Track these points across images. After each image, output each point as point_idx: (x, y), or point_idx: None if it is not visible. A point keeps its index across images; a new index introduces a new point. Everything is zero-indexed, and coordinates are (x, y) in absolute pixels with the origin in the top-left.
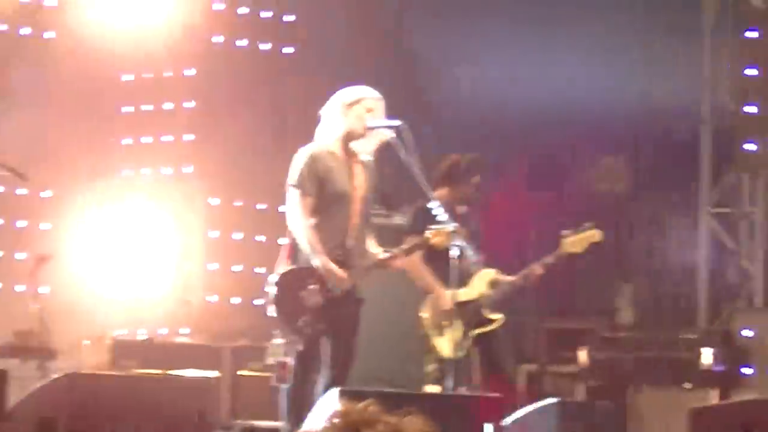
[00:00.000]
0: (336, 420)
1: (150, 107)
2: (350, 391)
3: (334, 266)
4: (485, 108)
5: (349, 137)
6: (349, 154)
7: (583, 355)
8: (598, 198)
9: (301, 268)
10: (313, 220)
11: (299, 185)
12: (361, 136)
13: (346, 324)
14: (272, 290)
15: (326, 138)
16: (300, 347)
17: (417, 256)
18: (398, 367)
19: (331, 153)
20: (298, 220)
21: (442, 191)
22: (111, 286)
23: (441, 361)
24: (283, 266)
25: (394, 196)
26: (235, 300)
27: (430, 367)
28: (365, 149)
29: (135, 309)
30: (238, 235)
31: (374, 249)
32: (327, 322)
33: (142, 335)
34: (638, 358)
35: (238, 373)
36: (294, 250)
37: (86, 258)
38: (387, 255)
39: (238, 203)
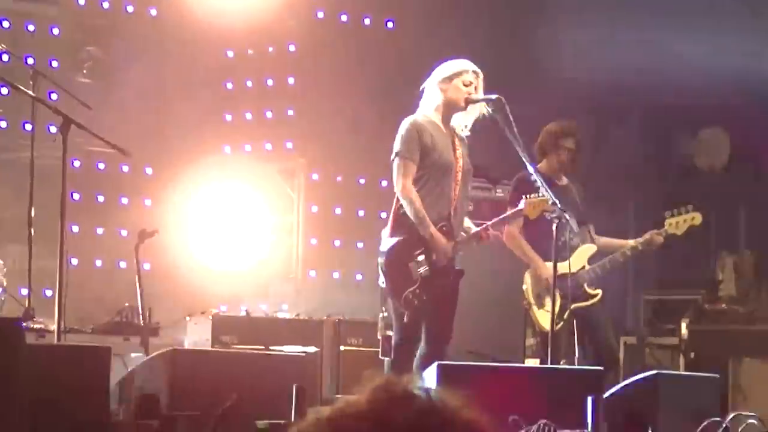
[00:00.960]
0: (370, 393)
1: (251, 83)
2: (449, 365)
3: (441, 237)
4: (585, 79)
5: (448, 110)
6: (450, 128)
7: (683, 327)
8: (700, 170)
9: (409, 238)
10: (415, 188)
11: (404, 154)
12: (460, 109)
13: (446, 296)
14: (382, 260)
15: (427, 110)
16: (405, 319)
17: (515, 229)
18: (498, 340)
19: (434, 124)
20: (405, 189)
21: (542, 164)
22: (212, 262)
23: (541, 334)
24: (389, 237)
25: (495, 170)
26: (336, 274)
27: (530, 341)
28: (464, 123)
29: (235, 285)
30: (338, 210)
31: (468, 223)
32: (430, 294)
33: (242, 311)
34: (740, 330)
35: (341, 348)
36: (397, 222)
37: (188, 234)
38: (483, 226)
39: (339, 178)
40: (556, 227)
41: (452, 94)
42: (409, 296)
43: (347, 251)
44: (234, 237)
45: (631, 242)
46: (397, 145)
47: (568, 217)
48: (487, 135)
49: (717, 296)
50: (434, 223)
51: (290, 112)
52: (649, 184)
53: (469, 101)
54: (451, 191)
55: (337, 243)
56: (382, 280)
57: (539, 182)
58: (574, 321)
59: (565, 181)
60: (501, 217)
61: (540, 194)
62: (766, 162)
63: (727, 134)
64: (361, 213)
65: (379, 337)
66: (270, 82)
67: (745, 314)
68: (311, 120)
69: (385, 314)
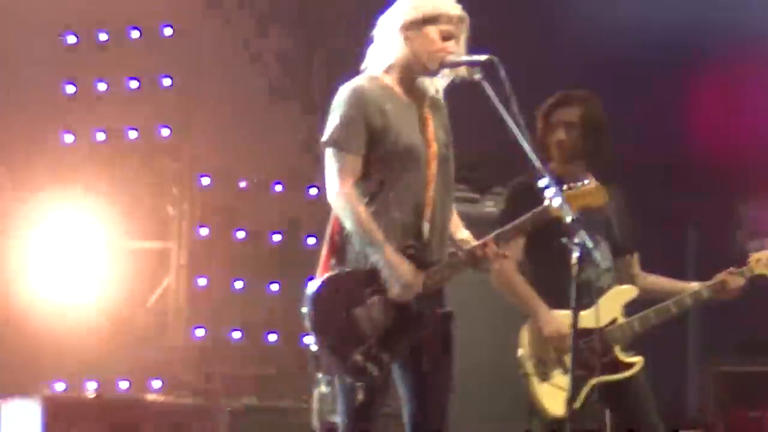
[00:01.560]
0: None
1: (107, 36)
2: None
3: (399, 258)
4: (614, 38)
5: (410, 71)
6: (415, 94)
7: None
8: None
9: (353, 270)
10: (366, 195)
11: (341, 140)
12: (432, 71)
13: (431, 355)
14: (311, 308)
15: (377, 70)
16: (358, 396)
17: (509, 262)
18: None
19: (388, 90)
20: (344, 195)
21: (553, 164)
22: (44, 312)
23: (552, 425)
24: (321, 272)
25: (483, 172)
26: (237, 334)
27: None
28: (433, 88)
29: (80, 349)
30: (241, 233)
31: (462, 233)
32: (398, 353)
33: (90, 390)
34: None
35: None
36: (338, 246)
37: (7, 269)
38: (482, 242)
39: (243, 183)
40: (578, 258)
41: (421, 48)
42: (359, 360)
43: (255, 297)
44: (78, 274)
45: (694, 285)
46: (328, 128)
47: (594, 241)
48: (470, 115)
49: None
50: (396, 244)
51: (167, 82)
52: (715, 190)
53: (446, 64)
54: (421, 191)
55: (239, 285)
56: (312, 341)
57: (550, 188)
58: (604, 402)
59: (592, 185)
60: (511, 225)
61: (582, 183)
62: None
63: None
64: (277, 238)
65: (316, 426)
66: (135, 34)
67: None
68: (199, 93)
69: (325, 391)
